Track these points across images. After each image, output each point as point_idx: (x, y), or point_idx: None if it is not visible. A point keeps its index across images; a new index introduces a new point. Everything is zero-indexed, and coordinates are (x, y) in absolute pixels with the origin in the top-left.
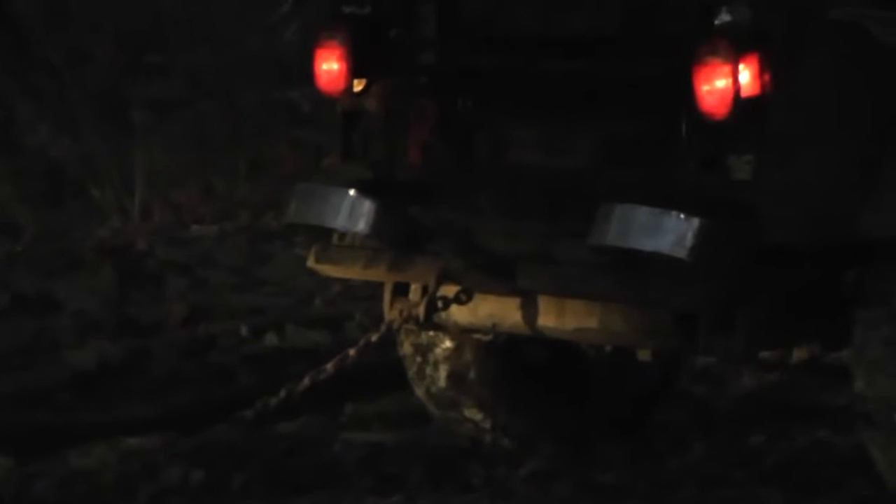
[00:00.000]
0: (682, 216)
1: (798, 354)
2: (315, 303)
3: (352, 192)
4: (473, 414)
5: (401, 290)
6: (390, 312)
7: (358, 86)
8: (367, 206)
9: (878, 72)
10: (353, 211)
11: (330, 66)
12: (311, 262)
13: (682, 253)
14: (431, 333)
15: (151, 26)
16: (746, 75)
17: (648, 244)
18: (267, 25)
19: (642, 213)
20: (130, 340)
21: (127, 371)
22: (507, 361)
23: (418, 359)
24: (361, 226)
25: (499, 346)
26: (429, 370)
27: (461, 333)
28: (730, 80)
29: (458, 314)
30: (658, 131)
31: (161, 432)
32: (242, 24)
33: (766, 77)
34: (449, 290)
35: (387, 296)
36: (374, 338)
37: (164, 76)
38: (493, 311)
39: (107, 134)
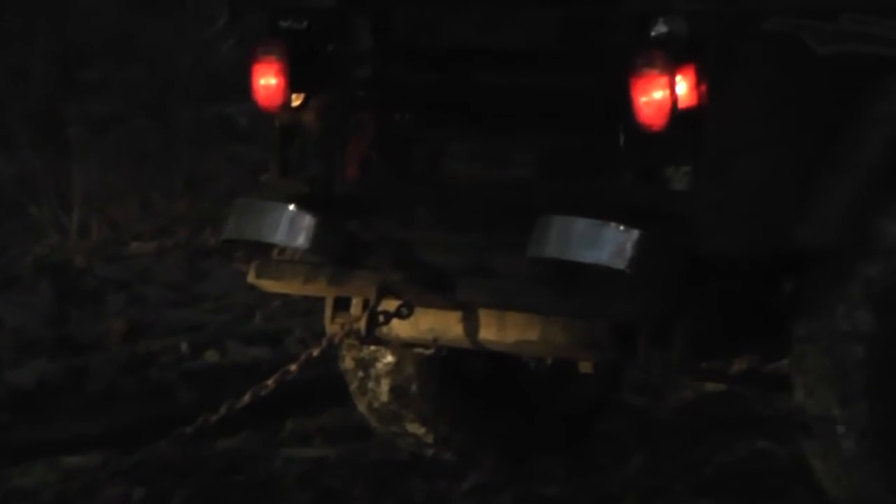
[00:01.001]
0: (620, 228)
1: (737, 365)
2: (255, 318)
3: (291, 207)
4: (415, 428)
5: (341, 305)
6: (331, 327)
7: (296, 101)
8: (307, 220)
9: (814, 83)
10: (292, 226)
11: (268, 81)
12: (251, 278)
13: (621, 264)
14: (373, 348)
15: (87, 43)
16: (683, 87)
17: (587, 256)
18: (203, 41)
19: (581, 225)
20: (69, 358)
21: (66, 389)
22: (449, 375)
23: (360, 373)
24: (301, 241)
25: (440, 360)
26: (370, 384)
27: (402, 347)
28: (667, 92)
29: (400, 328)
30: (596, 143)
31: (101, 450)
32: (178, 40)
33: (703, 88)
34: (390, 304)
35: (327, 310)
36: (315, 352)
37: (100, 93)
38: (434, 324)
39: (43, 151)
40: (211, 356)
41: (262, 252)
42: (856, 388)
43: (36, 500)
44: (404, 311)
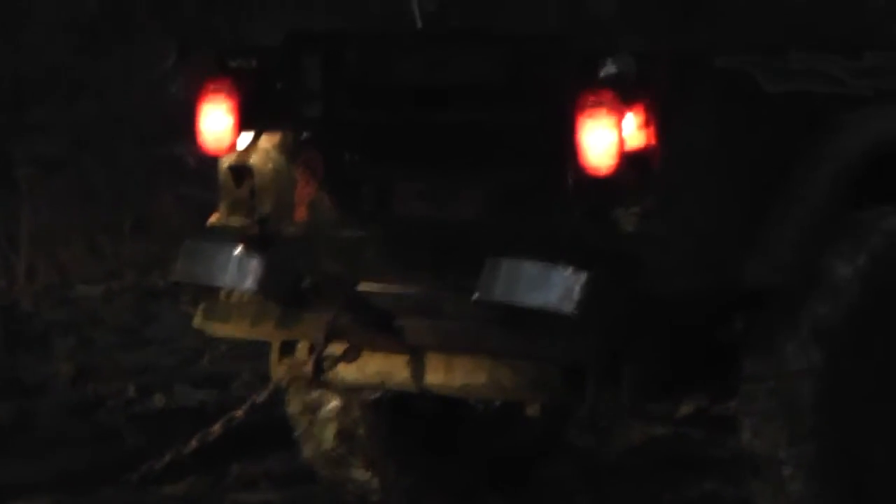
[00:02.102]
0: (568, 270)
1: (685, 406)
2: (202, 361)
3: (238, 249)
4: (361, 473)
5: (288, 348)
6: (278, 371)
7: (244, 140)
8: (254, 263)
9: (763, 121)
10: (239, 268)
11: (215, 121)
12: (197, 321)
13: (569, 307)
14: (319, 392)
15: (35, 82)
16: (631, 127)
17: (535, 299)
18: (149, 81)
19: (528, 268)
20: (16, 401)
21: (13, 431)
22: (396, 418)
23: (306, 417)
24: (248, 283)
25: (387, 404)
26: (317, 429)
27: (349, 391)
28: (615, 132)
29: (346, 372)
30: (545, 183)
31: (48, 494)
32: (127, 79)
33: (652, 128)
34: (337, 348)
35: (274, 354)
36: (261, 397)
37: (47, 134)
38: (381, 368)
39: None
40: (158, 399)
41: (209, 295)
42: (803, 428)
43: None
44: (351, 354)
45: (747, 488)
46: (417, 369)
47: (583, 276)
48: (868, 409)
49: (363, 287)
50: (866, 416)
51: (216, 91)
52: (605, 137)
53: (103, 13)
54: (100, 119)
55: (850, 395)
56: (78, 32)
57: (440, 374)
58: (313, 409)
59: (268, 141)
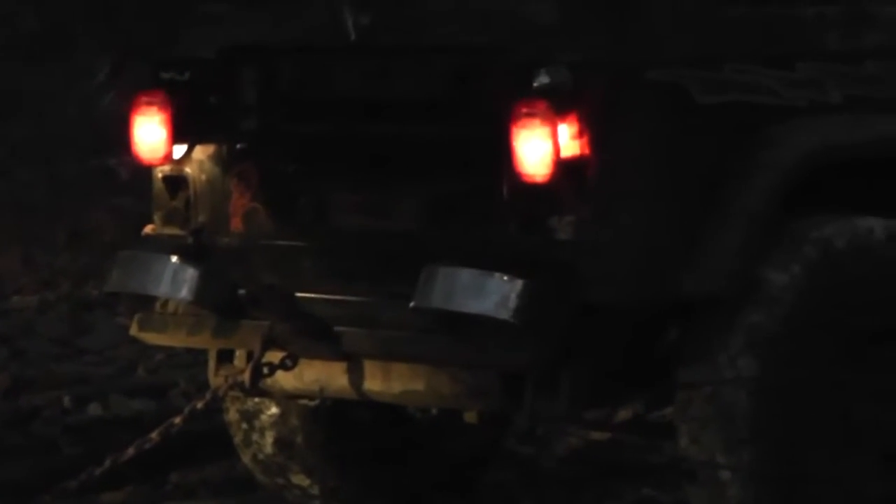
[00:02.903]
0: (504, 277)
1: (623, 413)
2: (138, 371)
3: (174, 258)
4: (301, 480)
5: (225, 357)
6: (215, 379)
7: (178, 152)
8: (190, 272)
9: (698, 132)
10: (175, 278)
11: (149, 133)
12: (134, 331)
13: (506, 314)
14: (257, 400)
15: None
16: (566, 137)
17: (472, 306)
18: (83, 94)
19: (465, 275)
20: None
21: None
22: (335, 426)
23: (244, 425)
24: (184, 293)
25: (325, 411)
26: (255, 436)
27: (287, 399)
28: (549, 142)
29: (284, 380)
30: (480, 193)
31: None
32: (61, 92)
33: (586, 138)
34: (274, 356)
35: (211, 363)
36: (199, 405)
37: None
38: (319, 375)
39: None
40: (94, 409)
41: (145, 304)
42: (740, 434)
43: None
44: (289, 362)
45: (684, 494)
46: (355, 377)
47: (519, 284)
48: (803, 415)
49: (300, 296)
50: (802, 422)
51: (150, 103)
52: (540, 147)
53: (40, 27)
54: (35, 132)
55: (785, 402)
56: (14, 46)
57: (378, 382)
58: (251, 416)
59: (203, 152)
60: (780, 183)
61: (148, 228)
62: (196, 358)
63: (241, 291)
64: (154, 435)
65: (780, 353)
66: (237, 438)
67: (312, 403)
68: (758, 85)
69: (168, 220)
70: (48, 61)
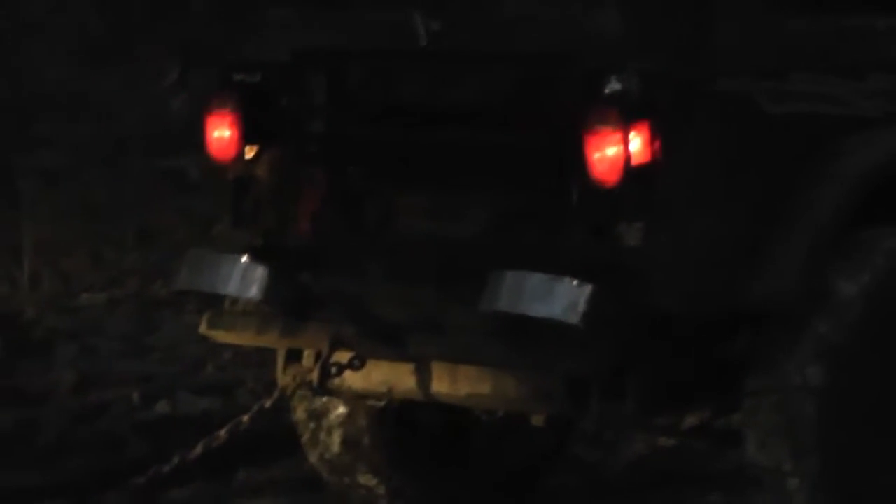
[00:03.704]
0: (573, 283)
1: (689, 419)
2: (206, 369)
3: (243, 258)
4: (367, 480)
5: (294, 356)
6: (283, 378)
7: (249, 153)
8: (259, 272)
9: (767, 141)
10: (244, 277)
11: (221, 134)
12: (203, 329)
13: (573, 319)
14: (325, 399)
15: (39, 96)
16: (636, 143)
17: (540, 310)
18: (155, 95)
19: (533, 280)
20: (19, 409)
21: (16, 439)
22: (401, 426)
23: (311, 424)
24: (253, 292)
25: (392, 412)
26: (322, 436)
27: (355, 399)
28: (620, 148)
29: (352, 380)
30: (549, 199)
31: (52, 501)
32: (130, 93)
33: (656, 145)
34: (342, 356)
35: (279, 362)
36: (267, 404)
37: (51, 146)
38: (386, 377)
39: None
40: (162, 407)
41: (214, 303)
42: (807, 442)
43: None
44: (356, 363)
45: (751, 501)
46: (422, 379)
47: (587, 289)
48: (871, 424)
49: (367, 298)
50: (869, 431)
51: (221, 104)
52: (610, 153)
53: (108, 28)
54: (103, 132)
55: (852, 410)
56: (83, 47)
57: (445, 384)
58: (319, 416)
59: (273, 153)
60: (849, 193)
61: (218, 228)
62: (264, 357)
63: (310, 292)
64: (221, 433)
65: (847, 363)
66: (304, 437)
67: (380, 404)
68: (828, 95)
69: (237, 221)
70: (114, 64)
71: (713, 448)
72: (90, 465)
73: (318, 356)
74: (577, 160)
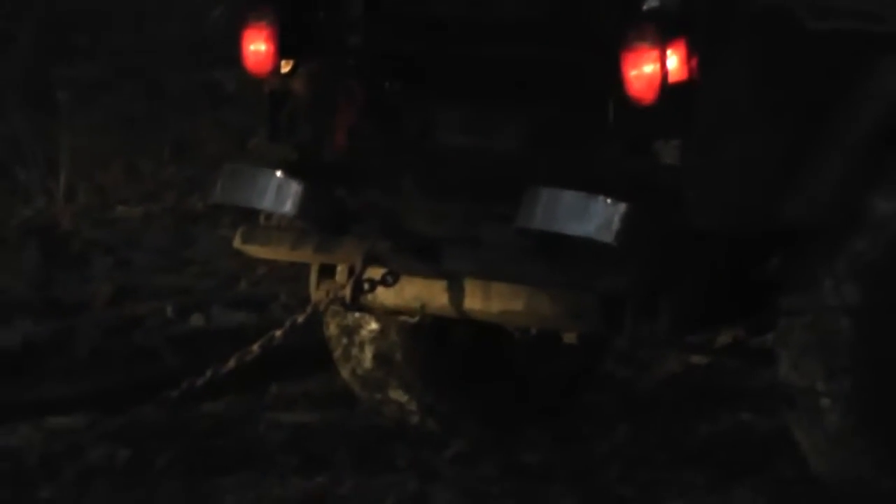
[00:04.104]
0: (608, 201)
1: (722, 338)
2: (240, 284)
3: (279, 173)
4: (399, 395)
5: (327, 272)
6: (316, 294)
7: (285, 67)
8: (294, 187)
9: (806, 59)
10: (279, 192)
11: (257, 47)
12: (237, 243)
13: (608, 237)
14: (357, 315)
15: (76, 8)
16: (674, 60)
17: (575, 228)
18: (192, 6)
19: (569, 198)
20: (55, 320)
21: (52, 351)
22: (433, 343)
23: (344, 340)
24: (288, 207)
25: (425, 328)
26: (354, 351)
27: (387, 315)
28: (657, 65)
29: (385, 296)
30: (585, 116)
31: (86, 412)
32: (167, 5)
33: (693, 62)
34: (375, 272)
35: (313, 277)
36: (299, 319)
37: (88, 58)
38: (419, 293)
39: (31, 115)
40: (196, 320)
41: (249, 217)
42: (841, 361)
43: (20, 460)
44: (390, 279)
45: (783, 420)
46: (455, 295)
47: (622, 207)
48: None
49: (402, 213)
50: None
51: (258, 18)
52: (647, 70)
53: None
54: (141, 44)
55: (887, 330)
56: None
57: (478, 301)
58: (351, 331)
59: (309, 67)
60: (887, 112)
61: (254, 142)
62: (298, 272)
63: (344, 208)
64: (255, 347)
65: (883, 281)
66: (336, 353)
67: (412, 320)
68: (867, 12)
69: (273, 135)
70: None
71: (746, 367)
72: (124, 377)
73: (351, 272)
74: (615, 77)
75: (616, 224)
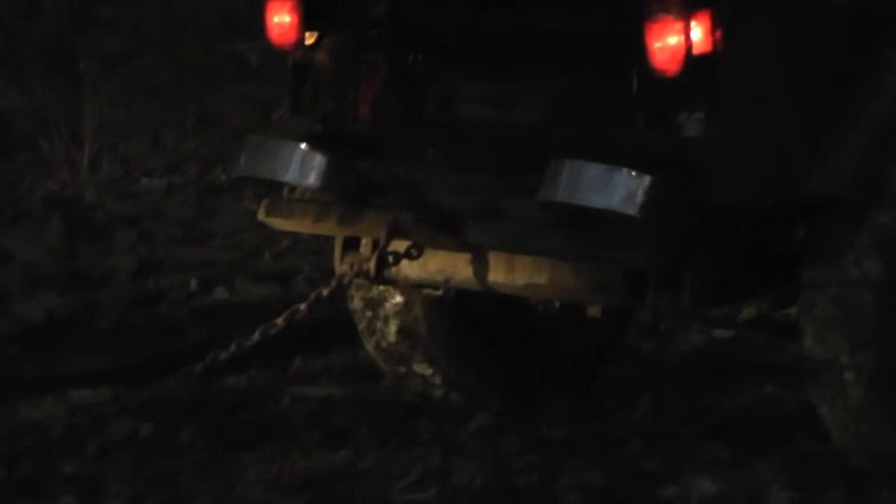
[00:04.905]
0: (632, 173)
1: (746, 311)
2: (264, 257)
3: (302, 145)
4: (423, 369)
5: (351, 245)
6: (340, 267)
7: (309, 39)
8: (318, 159)
9: (829, 31)
10: (303, 164)
11: (281, 19)
12: (261, 216)
13: (631, 210)
14: (381, 288)
15: None
16: (698, 32)
17: (598, 201)
18: None
19: (592, 170)
20: (79, 293)
21: (75, 323)
22: (457, 316)
23: (368, 313)
24: (312, 179)
25: (448, 301)
26: (379, 325)
27: (411, 288)
28: (681, 37)
29: (409, 269)
30: (609, 88)
31: (110, 385)
32: None
33: (718, 34)
34: (399, 245)
35: (337, 250)
36: (324, 292)
37: (112, 29)
38: (443, 266)
39: (55, 86)
40: (220, 294)
41: (272, 190)
42: (865, 335)
43: (45, 433)
44: (414, 252)
45: (807, 394)
46: (479, 268)
47: (646, 180)
48: None
49: (426, 186)
50: None
51: None
52: (671, 42)
53: None
54: (164, 15)
55: None
56: None
57: (502, 274)
58: (375, 305)
59: (333, 39)
60: None
61: (277, 114)
62: (322, 245)
63: (369, 179)
64: (279, 321)
65: None
66: (361, 326)
67: (436, 293)
68: None
69: (297, 107)
70: None
71: (769, 340)
72: (148, 350)
73: (375, 245)
74: (639, 49)
75: (640, 196)
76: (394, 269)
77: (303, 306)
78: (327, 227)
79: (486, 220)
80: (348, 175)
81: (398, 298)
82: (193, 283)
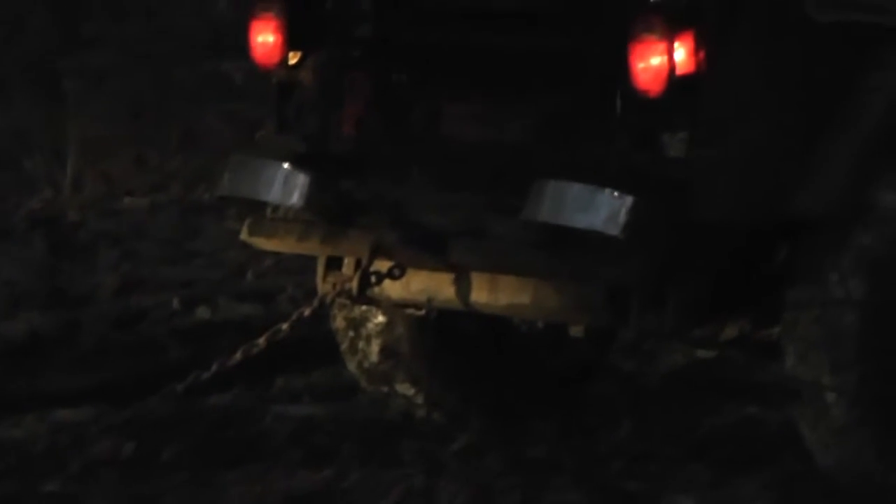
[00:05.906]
0: (615, 193)
1: (729, 331)
2: (247, 276)
3: (285, 164)
4: (405, 388)
5: (334, 264)
6: (323, 286)
7: (293, 58)
8: (301, 179)
9: (813, 51)
10: (286, 184)
11: (265, 38)
12: (244, 235)
13: (614, 230)
14: (364, 308)
15: None
16: (681, 53)
17: (581, 221)
18: None
19: (575, 190)
20: (61, 312)
21: (57, 342)
22: (440, 336)
23: (350, 333)
24: (295, 199)
25: (431, 321)
26: (361, 344)
27: (394, 308)
28: (665, 58)
29: (391, 289)
30: (592, 108)
31: (92, 404)
32: None
33: (701, 55)
34: (382, 265)
35: (320, 269)
36: (306, 311)
37: (96, 46)
38: (426, 285)
39: (39, 104)
40: (202, 313)
41: (255, 209)
42: (847, 355)
43: (27, 451)
44: (396, 271)
45: (789, 414)
46: (462, 288)
47: (629, 200)
48: None
49: (409, 206)
50: None
51: (266, 8)
52: (655, 62)
53: None
54: (149, 34)
55: (893, 324)
56: None
57: (485, 293)
58: (358, 324)
59: (317, 59)
60: (895, 104)
61: (261, 133)
62: (305, 264)
63: (352, 199)
64: (261, 340)
65: (889, 275)
66: (343, 346)
67: (419, 313)
68: (874, 4)
69: (281, 126)
70: None
71: (752, 360)
72: (130, 369)
73: (358, 264)
74: (622, 69)
75: (623, 217)
76: (376, 289)
77: (285, 325)
78: (310, 247)
79: (469, 239)
80: (331, 194)
81: (381, 318)
82: (176, 302)
